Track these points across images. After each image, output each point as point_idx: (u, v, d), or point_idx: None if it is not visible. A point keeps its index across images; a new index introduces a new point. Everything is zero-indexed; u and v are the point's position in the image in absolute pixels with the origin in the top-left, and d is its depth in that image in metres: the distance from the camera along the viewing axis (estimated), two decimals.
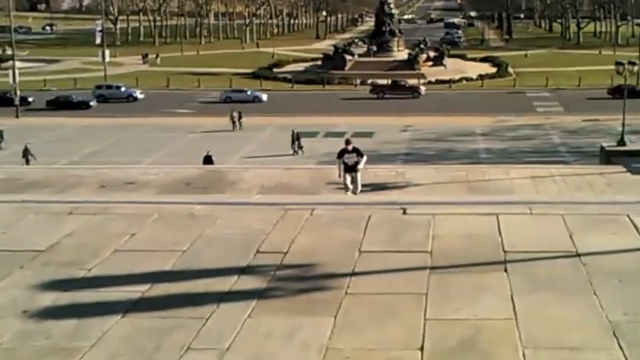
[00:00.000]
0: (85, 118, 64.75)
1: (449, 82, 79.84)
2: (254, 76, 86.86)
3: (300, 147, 47.68)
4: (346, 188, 16.27)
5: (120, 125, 61.32)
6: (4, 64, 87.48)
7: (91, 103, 70.47)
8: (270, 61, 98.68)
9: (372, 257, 7.61)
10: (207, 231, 8.73)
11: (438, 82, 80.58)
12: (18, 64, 78.05)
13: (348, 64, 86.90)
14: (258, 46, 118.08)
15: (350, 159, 16.35)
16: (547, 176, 19.47)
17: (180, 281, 7.36)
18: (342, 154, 16.44)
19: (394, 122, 59.35)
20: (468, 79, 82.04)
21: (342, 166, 16.45)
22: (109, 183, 12.35)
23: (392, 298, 6.66)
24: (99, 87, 76.12)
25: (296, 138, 48.10)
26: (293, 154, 47.62)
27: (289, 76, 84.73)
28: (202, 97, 75.62)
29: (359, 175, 16.42)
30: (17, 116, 65.35)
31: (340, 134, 57.17)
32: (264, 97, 72.63)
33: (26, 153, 46.79)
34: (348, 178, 16.28)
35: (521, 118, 59.96)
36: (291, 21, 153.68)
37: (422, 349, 5.73)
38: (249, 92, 73.33)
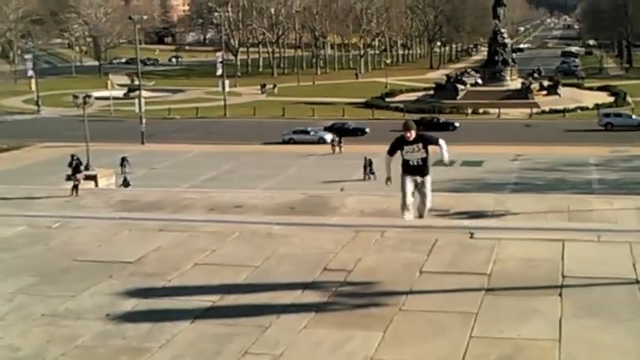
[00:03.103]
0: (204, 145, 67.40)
1: (563, 111, 78.26)
2: (366, 105, 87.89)
3: (372, 172, 49.02)
4: (404, 206, 10.63)
5: (237, 152, 63.50)
6: (132, 94, 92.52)
7: (367, 130, 70.61)
8: (383, 90, 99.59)
9: (432, 277, 7.89)
10: (281, 249, 9.24)
11: (552, 111, 79.28)
12: (145, 93, 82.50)
13: (460, 94, 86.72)
14: (357, 77, 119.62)
15: (413, 154, 10.46)
16: None
17: (249, 293, 7.88)
18: (397, 145, 10.60)
19: (505, 151, 58.69)
20: (583, 109, 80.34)
21: (399, 170, 10.68)
22: (219, 206, 13.01)
23: (442, 315, 6.92)
24: (606, 115, 72.93)
25: (368, 164, 49.95)
26: (364, 180, 49.07)
27: (401, 106, 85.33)
28: (316, 125, 77.18)
29: (428, 182, 10.72)
30: (142, 142, 68.80)
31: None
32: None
33: (123, 161, 51.20)
34: (410, 187, 10.56)
35: (638, 149, 57.96)
36: (406, 51, 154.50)
37: None
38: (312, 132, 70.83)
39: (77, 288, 8.20)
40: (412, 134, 10.45)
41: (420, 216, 10.88)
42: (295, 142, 66.64)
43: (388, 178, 10.86)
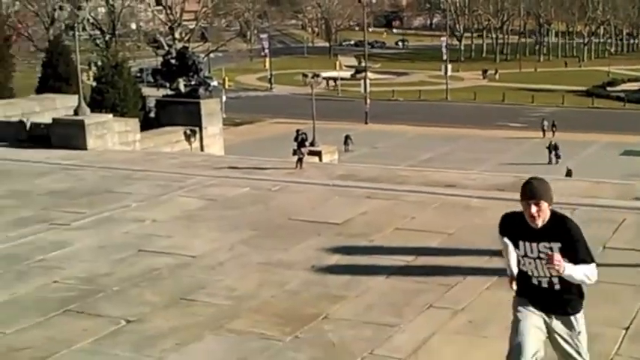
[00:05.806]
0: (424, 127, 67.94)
1: None
2: (587, 94, 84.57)
3: (558, 157, 49.84)
4: None
5: (455, 135, 63.62)
6: (359, 75, 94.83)
7: None
8: (605, 79, 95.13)
9: (613, 253, 8.17)
10: (476, 220, 9.87)
11: None
12: (371, 75, 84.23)
13: None
14: (566, 65, 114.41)
15: (537, 264, 4.65)
16: None
17: (440, 256, 8.63)
18: (508, 233, 4.85)
19: None
20: None
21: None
22: (431, 183, 13.57)
23: (616, 287, 7.23)
24: None
25: (554, 148, 50.95)
26: (549, 163, 49.11)
27: (622, 95, 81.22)
28: (535, 112, 75.34)
29: (578, 328, 4.76)
30: (366, 122, 70.81)
31: None
32: None
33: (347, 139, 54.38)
34: (532, 334, 4.53)
35: None
36: (631, 40, 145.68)
37: (627, 329, 6.34)
38: None
39: (289, 242, 9.37)
40: (540, 212, 4.67)
41: None
42: None
43: (512, 278, 4.75)
